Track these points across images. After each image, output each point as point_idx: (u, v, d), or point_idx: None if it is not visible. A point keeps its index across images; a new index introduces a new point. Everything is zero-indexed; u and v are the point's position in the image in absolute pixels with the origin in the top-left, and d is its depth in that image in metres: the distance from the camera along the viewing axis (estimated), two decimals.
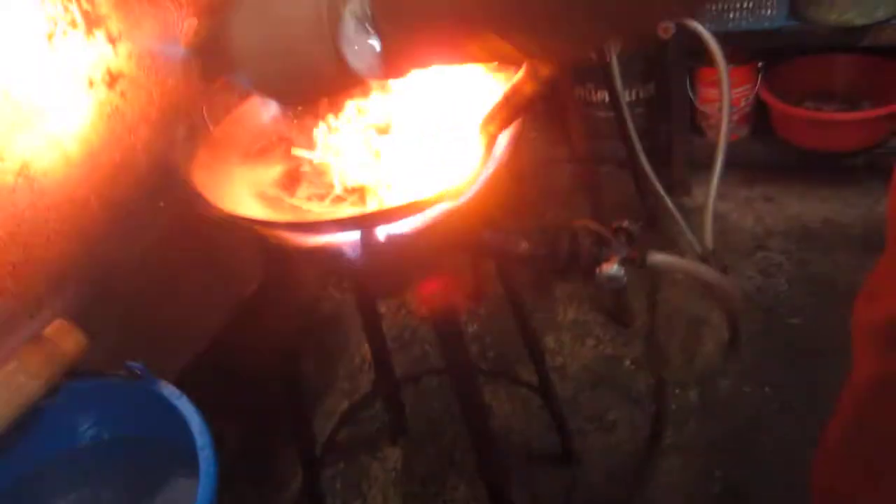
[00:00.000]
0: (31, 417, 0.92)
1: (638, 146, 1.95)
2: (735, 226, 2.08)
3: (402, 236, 1.00)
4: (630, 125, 1.94)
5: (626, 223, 1.02)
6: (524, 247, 1.05)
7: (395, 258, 1.03)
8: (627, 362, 1.76)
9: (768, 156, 2.16)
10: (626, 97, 2.13)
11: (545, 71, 0.87)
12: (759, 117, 2.16)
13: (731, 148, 1.56)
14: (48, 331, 0.95)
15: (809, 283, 1.87)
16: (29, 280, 1.02)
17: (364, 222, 0.96)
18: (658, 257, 1.03)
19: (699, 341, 1.78)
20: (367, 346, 1.64)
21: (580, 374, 1.74)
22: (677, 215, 1.83)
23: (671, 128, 2.11)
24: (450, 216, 1.02)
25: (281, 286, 1.36)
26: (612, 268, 0.98)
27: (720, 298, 1.33)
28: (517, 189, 1.98)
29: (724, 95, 1.58)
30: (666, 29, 1.54)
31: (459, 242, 1.09)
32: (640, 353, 1.77)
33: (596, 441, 1.59)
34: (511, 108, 0.92)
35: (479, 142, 0.94)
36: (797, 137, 2.07)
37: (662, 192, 1.93)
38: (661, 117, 2.15)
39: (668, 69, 2.03)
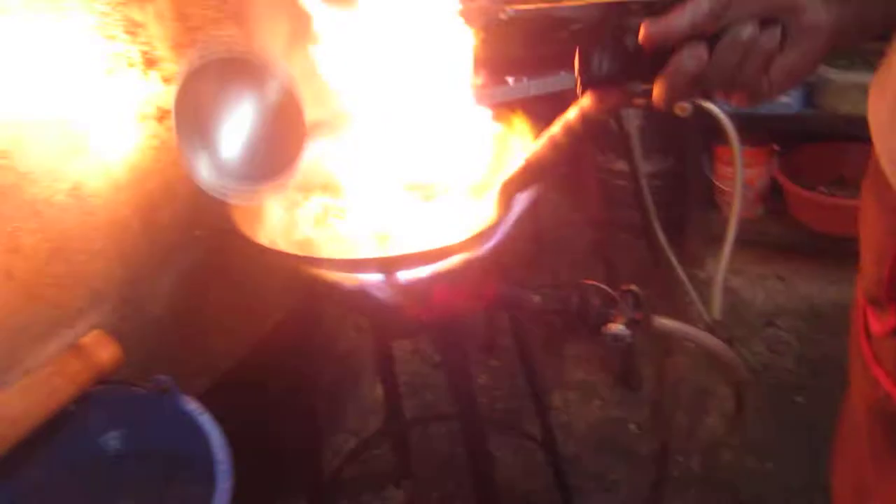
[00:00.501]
0: (60, 422, 0.98)
1: (654, 216, 2.01)
2: (746, 301, 2.12)
3: (422, 281, 1.07)
4: (647, 196, 2.01)
5: (633, 287, 1.08)
6: (536, 301, 1.10)
7: (414, 301, 1.09)
8: (632, 426, 1.79)
9: (782, 236, 2.21)
10: (645, 168, 2.21)
11: (564, 141, 0.94)
12: (774, 198, 2.22)
13: (746, 226, 1.62)
14: (85, 340, 1.01)
15: (816, 363, 1.90)
16: (71, 292, 1.08)
17: (387, 265, 1.03)
18: (662, 321, 1.08)
19: (705, 411, 1.81)
20: (378, 388, 1.69)
21: (585, 433, 1.77)
22: (688, 285, 1.88)
23: (687, 201, 2.17)
24: (468, 266, 1.09)
25: (303, 322, 1.42)
26: (618, 327, 1.03)
27: (724, 368, 1.37)
28: (535, 248, 2.06)
29: (737, 175, 1.63)
30: (682, 108, 1.61)
31: (476, 292, 1.15)
32: (646, 417, 1.80)
33: (596, 500, 1.62)
34: (529, 173, 0.99)
35: (498, 201, 1.02)
36: (810, 220, 2.13)
37: (675, 262, 1.98)
38: (679, 190, 2.22)
39: (686, 145, 2.11)
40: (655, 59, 0.74)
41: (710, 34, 0.69)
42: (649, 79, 0.78)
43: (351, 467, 1.64)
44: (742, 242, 1.62)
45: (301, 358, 1.41)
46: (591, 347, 2.01)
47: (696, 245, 2.21)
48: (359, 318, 1.76)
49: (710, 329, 1.63)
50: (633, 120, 2.06)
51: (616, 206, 2.32)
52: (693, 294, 1.88)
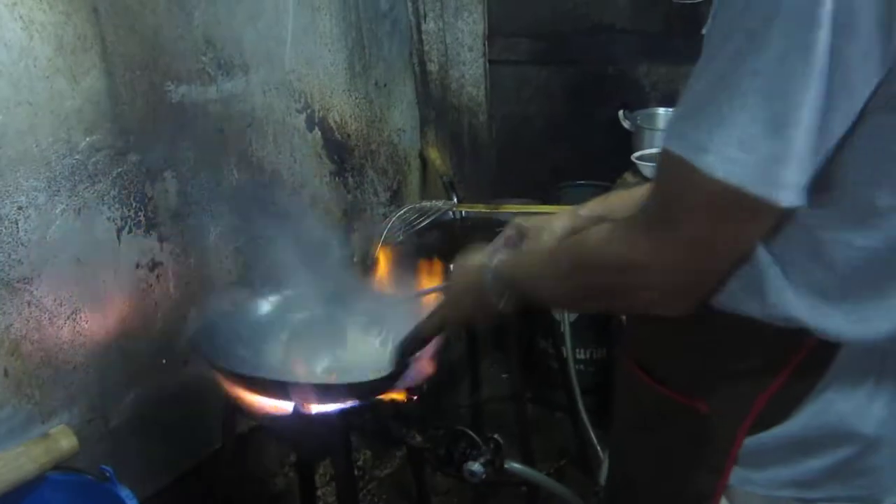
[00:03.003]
0: (21, 495, 1.23)
1: (578, 398, 2.28)
2: None
3: (329, 414, 1.35)
4: (574, 379, 2.29)
5: (496, 436, 1.35)
6: (417, 439, 1.37)
7: (323, 430, 1.37)
8: None
9: None
10: (580, 355, 2.51)
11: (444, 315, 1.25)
12: None
13: None
14: (53, 430, 1.28)
15: None
16: (51, 394, 1.37)
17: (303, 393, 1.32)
18: (514, 465, 1.34)
19: None
20: None
21: None
22: (601, 455, 2.11)
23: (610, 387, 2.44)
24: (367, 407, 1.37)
25: (238, 453, 1.66)
26: (475, 465, 1.29)
27: None
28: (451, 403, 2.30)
29: None
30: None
31: (372, 428, 1.42)
32: None
33: None
34: (419, 340, 1.29)
35: (392, 359, 1.31)
36: None
37: (594, 438, 2.23)
38: (606, 377, 2.49)
39: (612, 336, 2.41)
40: None
41: None
42: None
43: None
44: None
45: (235, 488, 1.64)
46: None
47: None
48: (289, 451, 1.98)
49: (595, 493, 1.87)
50: (568, 313, 2.40)
51: (550, 386, 2.60)
52: (606, 465, 2.11)
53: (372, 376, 1.37)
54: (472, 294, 1.06)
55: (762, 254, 0.73)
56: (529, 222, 1.26)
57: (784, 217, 0.69)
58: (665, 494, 0.90)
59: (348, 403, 1.35)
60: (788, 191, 0.64)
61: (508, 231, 1.28)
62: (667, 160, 0.70)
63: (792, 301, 0.72)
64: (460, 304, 1.14)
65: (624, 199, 1.22)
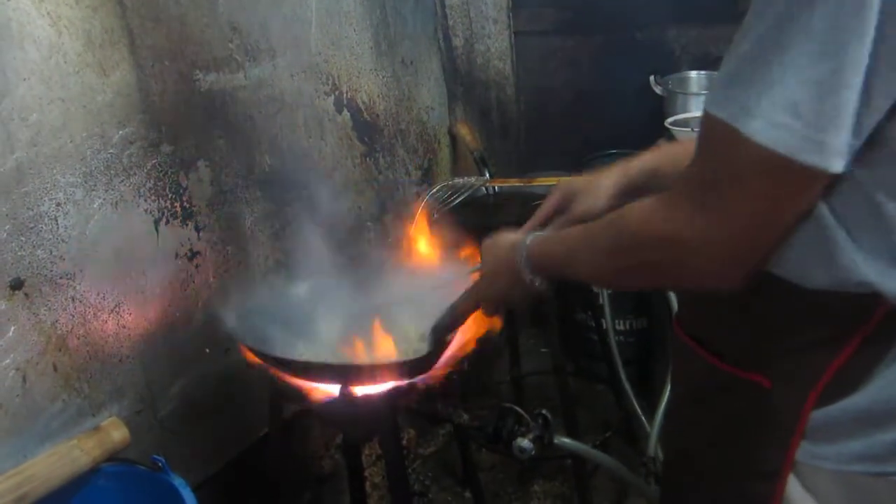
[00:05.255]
0: (76, 486, 1.25)
1: (620, 369, 2.26)
2: None
3: (374, 395, 1.35)
4: (615, 351, 2.27)
5: (544, 411, 1.34)
6: (464, 417, 1.36)
7: (368, 410, 1.37)
8: None
9: None
10: (619, 326, 2.49)
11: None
12: None
13: None
14: (103, 423, 1.30)
15: None
16: (99, 387, 1.38)
17: (342, 373, 1.32)
18: (563, 440, 1.34)
19: None
20: None
21: None
22: (647, 427, 2.10)
23: (653, 357, 2.42)
24: (412, 387, 1.37)
25: (285, 437, 1.68)
26: (524, 442, 1.28)
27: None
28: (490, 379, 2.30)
29: None
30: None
31: (418, 409, 1.42)
32: None
33: None
34: (455, 319, 1.28)
35: (430, 340, 1.30)
36: None
37: (638, 409, 2.22)
38: (646, 348, 2.47)
39: (652, 307, 2.38)
40: None
41: None
42: None
43: None
44: None
45: (283, 472, 1.65)
46: (555, 485, 2.20)
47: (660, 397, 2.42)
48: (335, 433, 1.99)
49: (643, 464, 1.86)
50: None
51: (591, 357, 2.58)
52: (653, 436, 2.09)
53: (410, 356, 1.37)
54: (507, 273, 1.05)
55: (827, 217, 0.70)
56: (577, 182, 1.21)
57: (842, 179, 0.66)
58: (728, 472, 0.87)
59: (388, 384, 1.35)
60: (838, 157, 0.62)
61: (555, 195, 1.24)
62: (710, 126, 0.68)
63: (861, 265, 0.69)
64: (495, 283, 1.12)
65: (677, 151, 1.16)
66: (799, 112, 0.61)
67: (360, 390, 1.34)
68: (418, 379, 1.35)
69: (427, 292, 1.41)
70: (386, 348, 1.47)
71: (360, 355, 1.45)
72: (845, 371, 0.75)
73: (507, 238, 1.09)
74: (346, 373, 1.34)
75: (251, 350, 1.35)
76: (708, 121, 0.68)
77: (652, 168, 1.14)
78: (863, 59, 0.59)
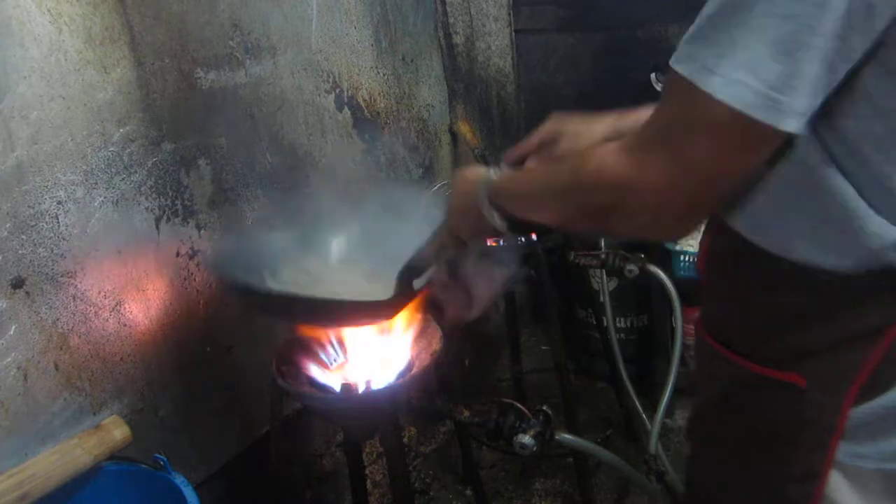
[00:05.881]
0: (77, 484, 1.25)
1: (621, 367, 2.26)
2: None
3: (375, 391, 1.35)
4: (616, 348, 2.27)
5: (545, 407, 1.34)
6: (465, 414, 1.36)
7: (369, 407, 1.37)
8: None
9: None
10: (620, 324, 2.48)
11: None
12: None
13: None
14: (104, 422, 1.30)
15: None
16: (101, 386, 1.38)
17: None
18: (565, 436, 1.33)
19: None
20: None
21: None
22: (648, 424, 2.09)
23: (655, 355, 2.42)
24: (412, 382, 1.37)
25: (286, 435, 1.67)
26: (526, 438, 1.28)
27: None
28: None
29: (678, 329, 1.91)
30: (630, 271, 1.91)
31: (419, 406, 1.42)
32: None
33: None
34: (421, 261, 1.21)
35: (396, 284, 1.23)
36: None
37: (639, 406, 2.22)
38: (648, 345, 2.47)
39: (652, 305, 2.38)
40: None
41: None
42: None
43: None
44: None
45: (284, 470, 1.65)
46: (556, 483, 2.19)
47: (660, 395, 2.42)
48: (335, 430, 1.99)
49: (645, 461, 1.85)
50: (608, 282, 2.37)
51: (592, 355, 2.58)
52: (652, 434, 2.10)
53: (374, 297, 1.28)
54: (468, 209, 1.02)
55: (843, 186, 0.69)
56: (568, 122, 1.20)
57: (850, 152, 0.67)
58: (763, 477, 0.85)
59: (356, 324, 1.35)
60: (793, 117, 0.63)
61: (543, 129, 1.22)
62: (672, 81, 0.69)
63: (887, 232, 0.69)
64: (458, 221, 1.09)
65: None
66: (757, 71, 0.62)
67: (362, 386, 1.34)
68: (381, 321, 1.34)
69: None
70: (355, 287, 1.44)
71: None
72: (884, 365, 0.73)
73: (476, 172, 1.06)
74: (311, 307, 1.29)
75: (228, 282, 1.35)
76: (670, 75, 0.69)
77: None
78: (829, 21, 0.60)
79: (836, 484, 0.79)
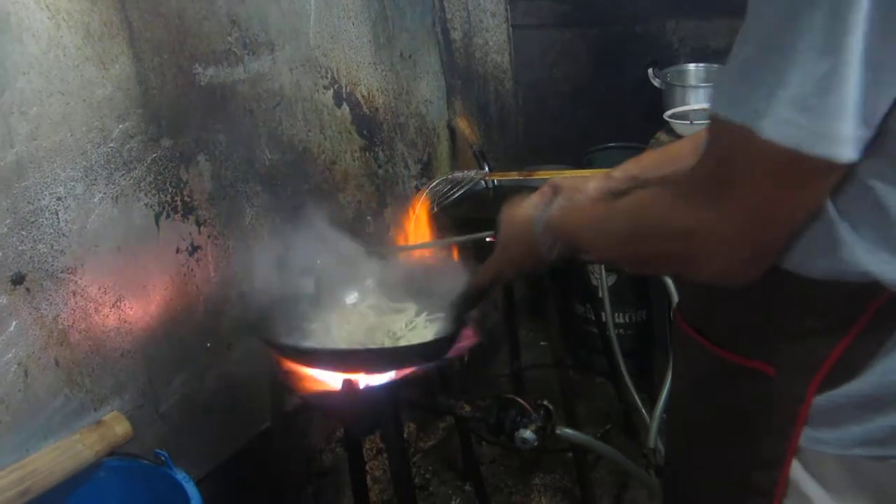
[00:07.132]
0: (78, 480, 1.25)
1: (620, 362, 2.27)
2: None
3: (377, 386, 1.35)
4: (615, 343, 2.28)
5: (545, 402, 1.34)
6: (466, 409, 1.36)
7: (370, 403, 1.37)
8: None
9: None
10: (619, 319, 2.49)
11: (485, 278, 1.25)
12: None
13: None
14: (105, 418, 1.30)
15: None
16: (101, 382, 1.38)
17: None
18: (566, 431, 1.34)
19: None
20: None
21: None
22: (647, 419, 2.10)
23: (653, 350, 2.43)
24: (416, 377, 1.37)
25: (287, 431, 1.68)
26: (527, 433, 1.28)
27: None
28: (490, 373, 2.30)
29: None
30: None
31: (420, 401, 1.42)
32: None
33: None
34: (473, 296, 1.30)
35: (449, 317, 1.31)
36: None
37: (638, 401, 2.22)
38: (646, 340, 2.47)
39: (651, 300, 2.39)
40: None
41: None
42: None
43: None
44: None
45: (284, 466, 1.66)
46: (555, 478, 2.20)
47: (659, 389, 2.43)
48: (335, 426, 1.99)
49: (644, 455, 1.86)
50: (607, 278, 2.38)
51: (591, 351, 2.59)
52: (653, 428, 2.10)
53: (433, 337, 1.38)
54: (522, 245, 1.10)
55: (830, 210, 0.71)
56: (564, 181, 1.25)
57: (845, 174, 0.67)
58: (732, 461, 0.88)
59: (411, 369, 1.36)
60: (847, 145, 0.63)
61: (545, 189, 1.26)
62: (719, 127, 0.70)
63: (864, 256, 0.70)
64: (510, 256, 1.17)
65: (658, 159, 1.22)
66: (805, 107, 0.62)
67: (368, 380, 1.34)
68: (439, 361, 1.36)
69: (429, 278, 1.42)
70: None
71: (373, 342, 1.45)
72: (847, 357, 0.76)
73: (522, 210, 1.13)
74: (364, 358, 1.34)
75: (262, 340, 1.35)
76: (716, 122, 0.70)
77: (633, 176, 1.19)
78: (865, 50, 0.60)
79: (800, 470, 0.82)
